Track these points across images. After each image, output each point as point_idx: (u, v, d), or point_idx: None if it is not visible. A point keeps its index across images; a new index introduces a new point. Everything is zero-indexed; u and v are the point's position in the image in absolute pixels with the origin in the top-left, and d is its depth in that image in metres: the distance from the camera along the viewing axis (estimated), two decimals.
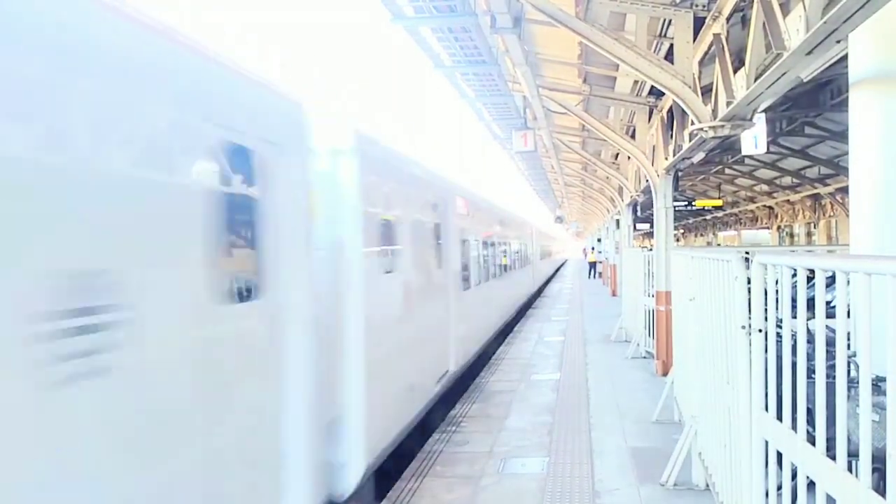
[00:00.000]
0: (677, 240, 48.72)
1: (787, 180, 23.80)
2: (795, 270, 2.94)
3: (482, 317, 12.23)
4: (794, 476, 2.87)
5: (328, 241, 4.86)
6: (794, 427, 2.84)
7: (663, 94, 8.45)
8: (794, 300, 2.96)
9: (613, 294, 24.09)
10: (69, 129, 2.30)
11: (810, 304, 2.70)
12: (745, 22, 6.45)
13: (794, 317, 2.94)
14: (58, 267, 2.21)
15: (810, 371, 2.74)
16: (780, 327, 3.02)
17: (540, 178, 31.09)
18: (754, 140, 10.95)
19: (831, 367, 2.52)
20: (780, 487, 3.02)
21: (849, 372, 2.51)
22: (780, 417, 2.99)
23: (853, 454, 2.29)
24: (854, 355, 2.74)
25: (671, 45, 7.76)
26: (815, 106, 13.29)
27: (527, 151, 14.11)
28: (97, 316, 2.34)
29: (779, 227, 30.73)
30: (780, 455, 3.00)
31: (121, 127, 2.57)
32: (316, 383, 4.16)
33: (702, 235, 48.59)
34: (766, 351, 3.24)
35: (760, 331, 3.34)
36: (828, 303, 2.63)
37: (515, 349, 13.33)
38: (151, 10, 2.88)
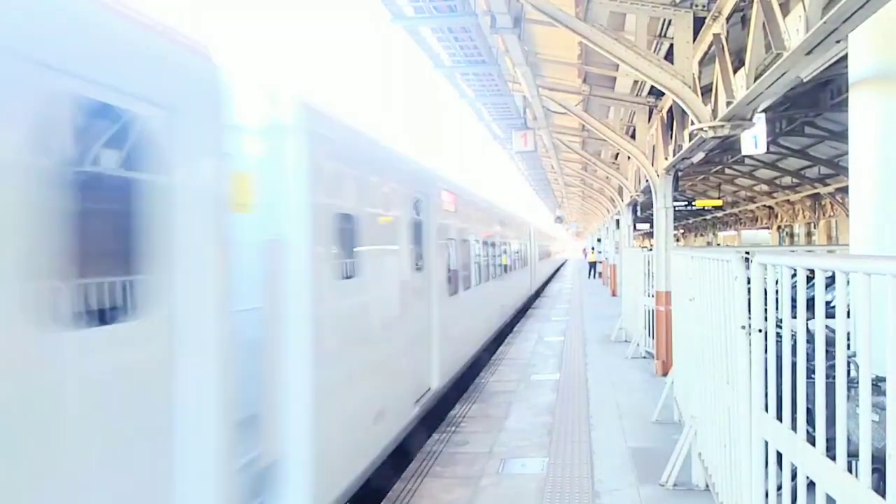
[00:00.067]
0: (677, 240, 48.72)
1: (787, 180, 23.80)
2: (795, 270, 2.94)
3: (472, 324, 11.31)
4: (793, 476, 2.87)
5: (265, 239, 4.07)
6: (793, 427, 2.84)
7: (663, 94, 8.45)
8: (793, 300, 2.95)
9: (613, 294, 24.09)
10: None
11: (810, 304, 2.69)
12: (744, 22, 6.44)
13: (794, 317, 2.94)
14: None
15: (810, 371, 2.74)
16: (780, 327, 3.02)
17: (540, 179, 31.06)
18: (754, 140, 10.95)
19: (831, 368, 2.52)
20: (779, 488, 3.01)
21: (848, 372, 2.51)
22: (779, 417, 2.99)
23: (853, 454, 2.29)
24: (854, 355, 2.73)
25: (671, 45, 7.76)
26: (815, 106, 13.29)
27: (527, 151, 14.09)
28: None
29: (779, 227, 30.72)
30: (779, 455, 3.00)
31: None
32: (227, 429, 3.24)
33: (702, 235, 48.58)
34: (766, 351, 3.24)
35: (760, 331, 3.34)
36: (828, 303, 2.63)
37: (515, 349, 13.33)
38: None
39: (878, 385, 2.36)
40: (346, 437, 4.98)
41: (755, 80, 5.53)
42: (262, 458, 3.87)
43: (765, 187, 26.59)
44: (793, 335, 2.93)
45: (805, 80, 7.13)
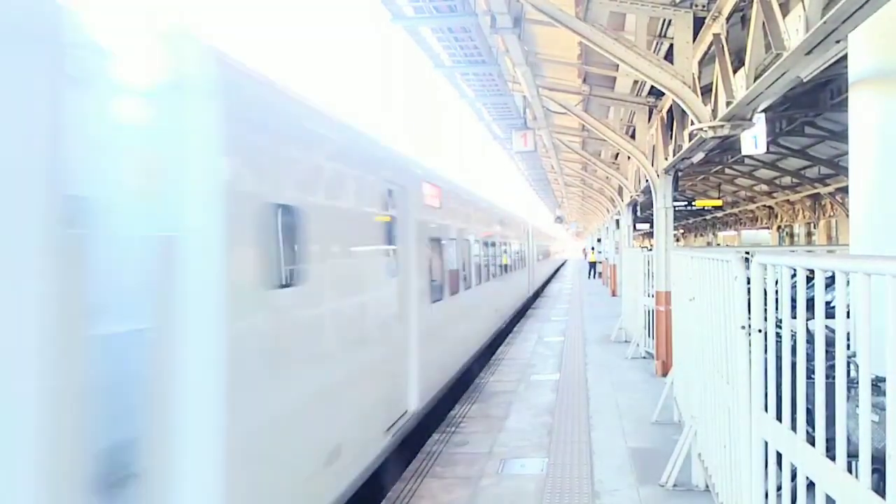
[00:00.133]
0: (677, 240, 48.73)
1: (787, 180, 23.81)
2: (795, 270, 2.94)
3: (461, 333, 10.24)
4: (793, 477, 2.87)
5: (155, 235, 3.10)
6: (793, 427, 2.84)
7: (663, 94, 8.45)
8: (793, 300, 2.95)
9: (613, 294, 24.09)
10: None
11: (810, 304, 2.69)
12: (744, 22, 6.44)
13: (794, 317, 2.94)
14: None
15: (810, 371, 2.73)
16: (780, 327, 3.02)
17: (540, 179, 31.08)
18: (754, 140, 10.95)
19: (831, 368, 2.52)
20: (779, 488, 3.01)
21: (848, 372, 2.51)
22: (779, 418, 2.99)
23: (853, 455, 2.29)
24: (854, 355, 2.73)
25: (671, 45, 7.76)
26: (814, 106, 13.29)
27: (527, 151, 14.09)
28: None
29: (779, 227, 30.73)
30: (779, 456, 2.99)
31: None
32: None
33: (702, 235, 48.60)
34: (765, 351, 3.24)
35: (760, 331, 3.34)
36: (827, 303, 2.63)
37: (515, 349, 13.33)
38: None
39: (877, 385, 2.36)
40: (281, 493, 3.87)
41: (755, 80, 5.52)
42: None
43: (765, 187, 26.60)
44: (793, 335, 2.93)
45: (805, 80, 7.13)
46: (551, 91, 11.69)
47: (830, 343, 2.60)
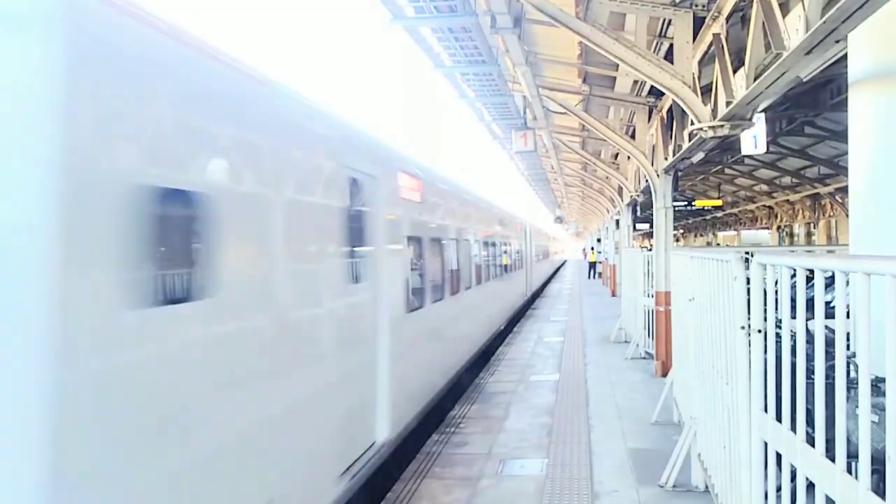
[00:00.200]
0: (677, 240, 48.74)
1: (787, 180, 23.82)
2: (795, 271, 2.93)
3: (445, 345, 9.15)
4: (793, 477, 2.86)
5: None
6: (793, 428, 2.83)
7: (663, 94, 8.45)
8: (793, 300, 2.95)
9: (613, 294, 24.09)
10: None
11: (810, 304, 2.69)
12: (744, 22, 6.44)
13: (794, 317, 2.93)
14: None
15: (809, 372, 2.73)
16: (780, 328, 3.01)
17: (540, 179, 31.08)
18: (754, 140, 10.95)
19: (831, 368, 2.51)
20: (779, 489, 3.01)
21: (848, 372, 2.50)
22: (779, 418, 2.98)
23: (852, 455, 2.28)
24: (853, 356, 2.73)
25: (671, 45, 7.76)
26: (814, 106, 13.29)
27: (527, 151, 14.09)
28: None
29: (778, 227, 30.74)
30: (779, 456, 2.99)
31: None
32: None
33: (701, 235, 48.60)
34: (765, 351, 3.23)
35: (760, 331, 3.33)
36: (827, 303, 2.62)
37: (514, 350, 13.32)
38: None
39: (877, 386, 2.35)
40: None
41: (755, 80, 5.52)
42: None
43: (764, 187, 26.61)
44: (792, 335, 2.92)
45: (805, 80, 7.13)
46: (551, 91, 11.70)
47: (830, 343, 2.60)
